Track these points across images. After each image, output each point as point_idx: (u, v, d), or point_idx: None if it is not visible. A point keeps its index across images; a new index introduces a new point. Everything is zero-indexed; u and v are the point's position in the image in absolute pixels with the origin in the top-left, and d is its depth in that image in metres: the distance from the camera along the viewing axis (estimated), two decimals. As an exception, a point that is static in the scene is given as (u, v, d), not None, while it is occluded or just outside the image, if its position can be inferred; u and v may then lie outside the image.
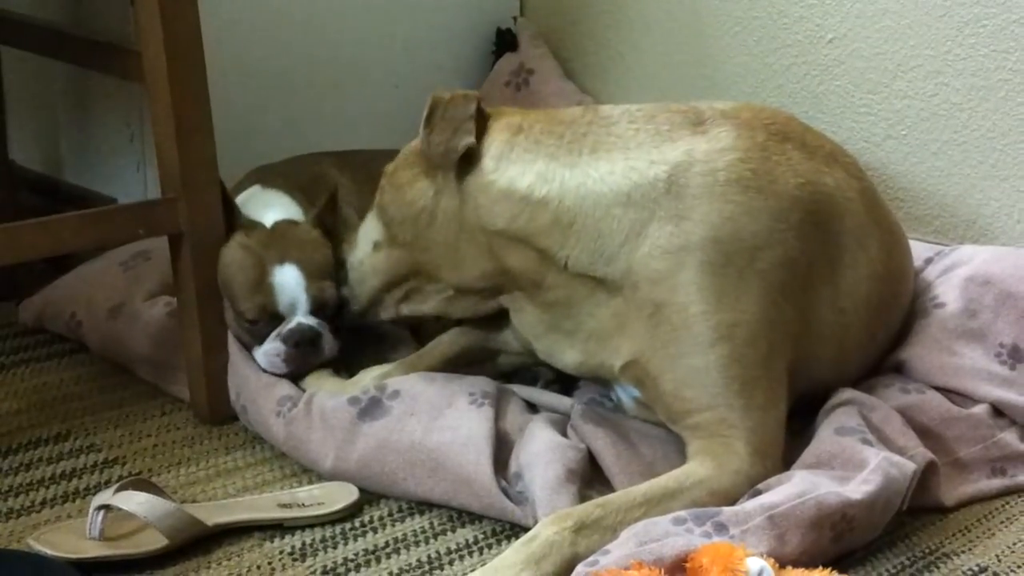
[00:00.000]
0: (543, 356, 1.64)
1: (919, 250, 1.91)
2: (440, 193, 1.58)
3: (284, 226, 1.76)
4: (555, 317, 1.58)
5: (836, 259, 1.58)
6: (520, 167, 1.54)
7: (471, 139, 1.55)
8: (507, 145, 1.55)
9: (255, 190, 1.87)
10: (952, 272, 1.81)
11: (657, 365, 1.50)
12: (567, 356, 1.60)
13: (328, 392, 1.65)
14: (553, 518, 1.36)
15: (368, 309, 1.72)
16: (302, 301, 1.71)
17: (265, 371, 1.71)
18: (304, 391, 1.68)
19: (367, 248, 1.69)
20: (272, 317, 1.71)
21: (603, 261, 1.51)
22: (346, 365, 1.77)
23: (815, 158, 1.60)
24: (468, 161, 1.56)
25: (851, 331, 1.61)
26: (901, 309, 1.74)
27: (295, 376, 1.71)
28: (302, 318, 1.71)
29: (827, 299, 1.57)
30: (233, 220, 1.74)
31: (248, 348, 1.74)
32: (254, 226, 1.74)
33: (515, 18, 2.56)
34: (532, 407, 1.66)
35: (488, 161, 1.55)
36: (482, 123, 1.57)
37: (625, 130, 1.54)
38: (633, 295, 1.50)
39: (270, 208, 1.80)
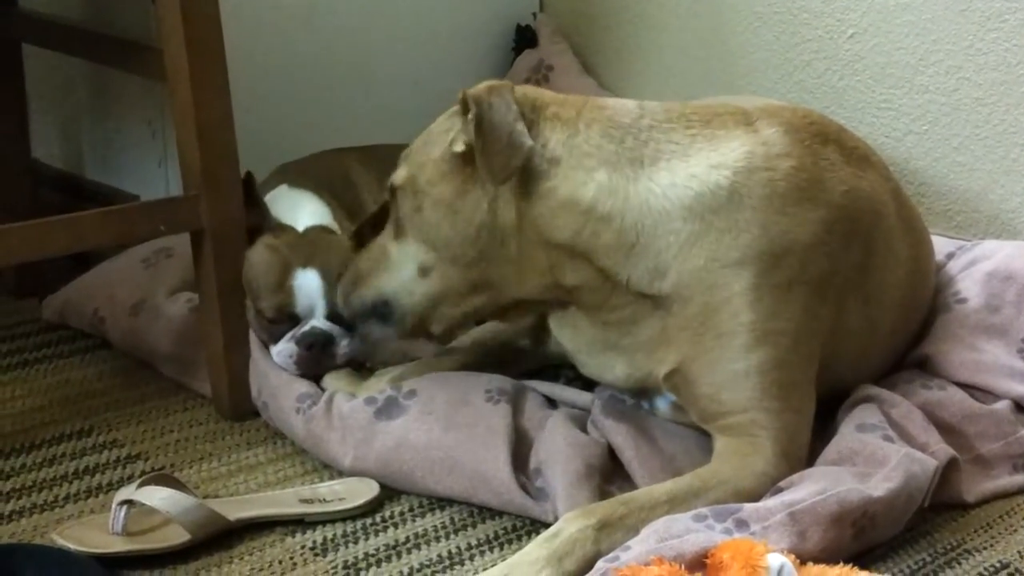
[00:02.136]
0: (591, 373, 1.61)
1: (941, 245, 1.90)
2: (495, 202, 1.47)
3: (316, 232, 1.77)
4: (616, 335, 1.53)
5: (868, 264, 1.57)
6: (582, 175, 1.45)
7: (529, 144, 1.44)
8: (565, 148, 1.47)
9: (282, 190, 1.87)
10: (974, 267, 1.80)
11: (697, 370, 1.48)
12: (617, 370, 1.56)
13: (346, 392, 1.65)
14: (576, 515, 1.36)
15: (414, 332, 1.61)
16: (320, 306, 1.72)
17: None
18: (324, 389, 1.69)
19: (411, 274, 1.55)
20: (290, 318, 1.72)
21: (659, 278, 1.47)
22: (368, 364, 1.78)
23: (852, 161, 1.58)
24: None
25: (876, 333, 1.61)
26: (923, 308, 1.74)
27: (309, 376, 1.72)
28: (317, 322, 1.72)
29: (856, 303, 1.56)
30: (263, 221, 1.74)
31: (266, 345, 1.74)
32: (284, 229, 1.75)
33: (535, 14, 2.56)
34: (551, 402, 1.66)
35: (546, 165, 1.46)
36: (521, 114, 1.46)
37: (683, 136, 1.49)
38: (683, 307, 1.47)
39: (299, 210, 1.82)
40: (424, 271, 1.54)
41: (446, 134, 1.51)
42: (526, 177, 1.46)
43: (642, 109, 1.52)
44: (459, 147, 1.48)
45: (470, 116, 1.45)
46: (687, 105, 1.56)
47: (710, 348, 1.47)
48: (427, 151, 1.53)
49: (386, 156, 1.99)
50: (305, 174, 1.92)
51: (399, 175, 1.56)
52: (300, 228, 1.78)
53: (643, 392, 1.59)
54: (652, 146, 1.48)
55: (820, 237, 1.49)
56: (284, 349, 1.72)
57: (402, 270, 1.56)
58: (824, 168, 1.52)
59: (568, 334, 1.60)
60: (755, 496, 1.41)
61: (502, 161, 1.44)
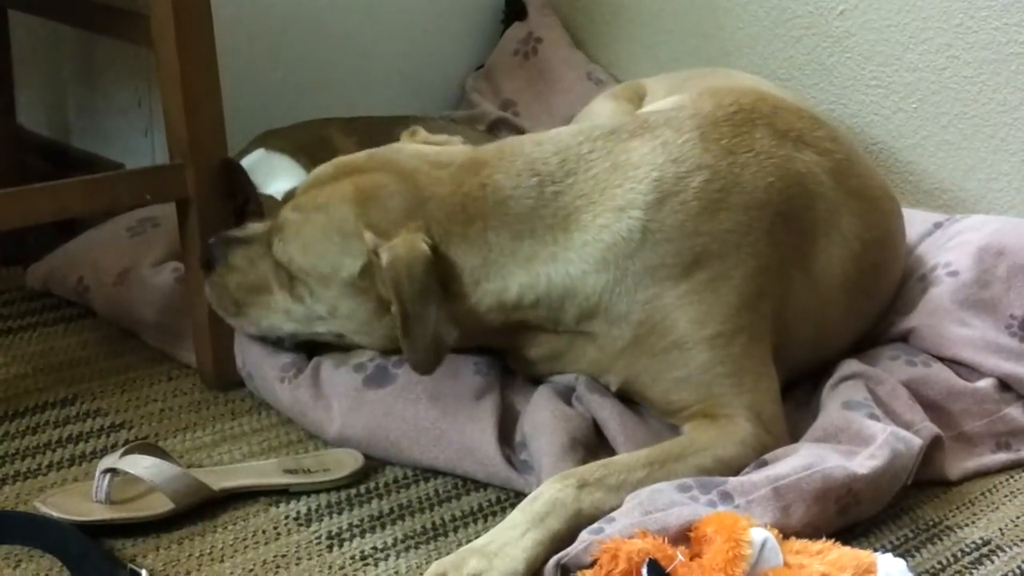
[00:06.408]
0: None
1: (929, 215, 1.90)
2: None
3: None
4: (548, 364, 1.58)
5: (808, 246, 1.56)
6: (502, 282, 1.48)
7: (454, 336, 1.46)
8: (483, 267, 1.47)
9: (259, 154, 1.87)
10: (963, 237, 1.79)
11: (642, 383, 1.51)
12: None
13: (334, 359, 1.65)
14: (556, 477, 1.37)
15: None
16: None
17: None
18: (308, 359, 1.68)
19: (308, 318, 1.59)
20: None
21: (585, 320, 1.50)
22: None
23: (785, 143, 1.57)
24: (439, 280, 1.45)
25: (830, 310, 1.60)
26: (889, 276, 1.72)
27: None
28: None
29: (801, 284, 1.56)
30: (249, 197, 1.73)
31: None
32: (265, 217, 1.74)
33: (524, -13, 2.55)
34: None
35: (469, 288, 1.48)
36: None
37: (586, 183, 1.48)
38: (613, 342, 1.50)
39: (276, 175, 1.81)
40: (325, 319, 1.58)
41: (346, 257, 1.49)
42: (451, 296, 1.47)
43: (539, 176, 1.48)
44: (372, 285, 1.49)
45: (393, 309, 1.45)
46: (583, 134, 1.53)
47: (648, 366, 1.49)
48: (322, 262, 1.52)
49: (368, 126, 1.98)
50: (284, 139, 1.92)
51: (283, 256, 1.54)
52: (280, 193, 1.77)
53: None
54: (561, 214, 1.47)
55: (739, 241, 1.49)
56: None
57: (295, 318, 1.60)
58: (744, 164, 1.51)
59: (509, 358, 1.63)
60: (736, 465, 1.42)
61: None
